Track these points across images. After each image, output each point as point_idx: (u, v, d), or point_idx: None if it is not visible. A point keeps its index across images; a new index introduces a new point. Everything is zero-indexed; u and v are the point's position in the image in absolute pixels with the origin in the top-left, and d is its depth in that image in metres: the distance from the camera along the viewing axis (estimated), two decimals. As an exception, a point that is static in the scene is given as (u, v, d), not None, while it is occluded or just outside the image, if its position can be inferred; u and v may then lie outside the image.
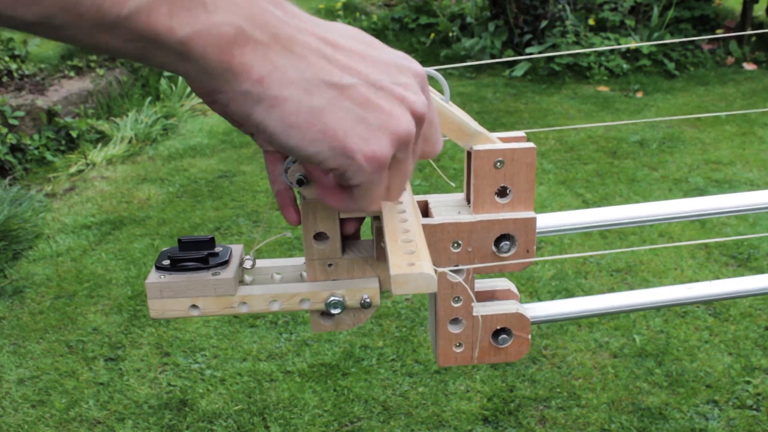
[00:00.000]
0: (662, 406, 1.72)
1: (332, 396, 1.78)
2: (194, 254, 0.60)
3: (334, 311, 0.61)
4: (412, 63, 0.48)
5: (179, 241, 0.61)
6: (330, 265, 0.62)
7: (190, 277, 0.59)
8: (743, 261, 2.33)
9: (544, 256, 2.38)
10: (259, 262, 0.65)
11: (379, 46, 0.46)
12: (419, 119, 0.46)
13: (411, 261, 0.49)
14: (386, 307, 2.12)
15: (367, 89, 0.44)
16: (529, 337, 0.65)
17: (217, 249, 0.62)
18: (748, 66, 4.74)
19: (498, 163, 0.61)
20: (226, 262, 0.61)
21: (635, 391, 1.77)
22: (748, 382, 1.79)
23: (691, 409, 1.71)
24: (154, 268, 0.61)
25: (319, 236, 0.62)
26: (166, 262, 0.61)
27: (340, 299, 0.61)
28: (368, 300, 0.61)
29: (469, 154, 0.63)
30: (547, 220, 0.66)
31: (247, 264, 0.64)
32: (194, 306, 0.60)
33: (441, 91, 0.63)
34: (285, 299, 0.61)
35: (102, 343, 2.01)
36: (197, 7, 0.37)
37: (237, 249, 0.63)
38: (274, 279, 0.65)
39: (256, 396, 1.79)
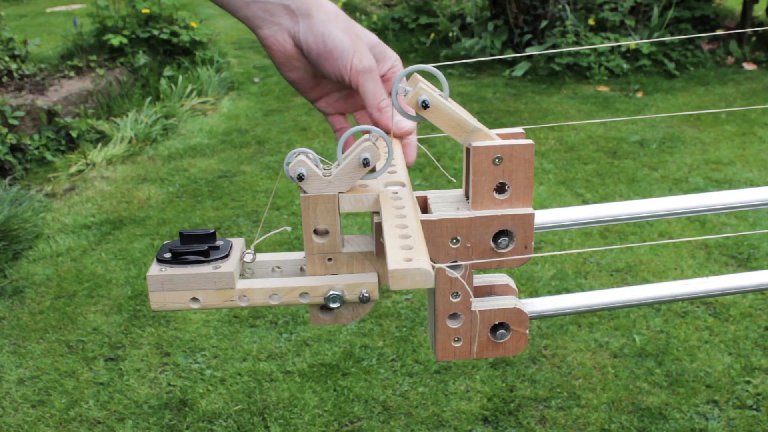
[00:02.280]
0: (662, 406, 1.72)
1: (332, 396, 1.78)
2: (196, 247, 0.61)
3: (333, 305, 0.62)
4: None
5: (181, 234, 0.61)
6: (330, 259, 0.63)
7: (191, 269, 0.60)
8: (743, 261, 2.33)
9: (544, 257, 2.38)
10: (259, 256, 0.66)
11: None
12: None
13: (408, 257, 0.50)
14: (386, 307, 2.12)
15: None
16: (527, 332, 0.65)
17: (218, 242, 0.63)
18: (748, 66, 4.74)
19: (496, 160, 0.61)
20: (226, 256, 0.62)
21: (635, 391, 1.77)
22: (748, 382, 1.78)
23: (691, 409, 1.70)
24: (155, 260, 0.62)
25: (319, 231, 0.62)
26: (168, 255, 0.61)
27: (339, 293, 0.61)
28: (367, 294, 0.62)
29: (467, 150, 0.63)
30: (545, 217, 0.66)
31: (248, 258, 0.64)
32: (194, 299, 0.61)
33: (440, 88, 0.63)
34: (284, 293, 0.62)
35: (102, 343, 2.01)
36: None
37: (238, 243, 0.64)
38: (274, 273, 0.66)
39: (256, 396, 1.79)
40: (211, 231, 0.62)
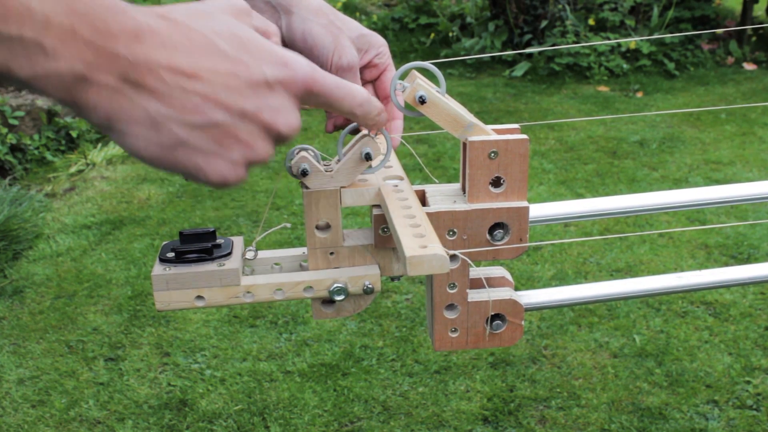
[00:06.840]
0: (662, 406, 1.71)
1: (332, 396, 1.78)
2: (199, 246, 0.61)
3: (337, 298, 0.63)
4: (289, 72, 0.46)
5: (181, 234, 0.62)
6: (332, 253, 0.64)
7: (196, 268, 0.61)
8: (743, 261, 2.33)
9: (544, 257, 2.38)
10: (259, 254, 0.67)
11: (251, 55, 0.45)
12: (286, 140, 0.48)
13: (423, 243, 0.52)
14: (386, 307, 2.12)
15: (225, 123, 0.44)
16: (523, 323, 0.67)
17: (219, 240, 0.64)
18: (748, 66, 4.74)
19: (492, 154, 0.62)
20: (229, 253, 0.63)
21: (635, 391, 1.77)
22: (748, 382, 1.78)
23: (691, 409, 1.70)
24: (158, 260, 0.62)
25: (321, 226, 0.64)
26: (171, 255, 0.62)
27: (343, 286, 0.63)
28: (370, 286, 0.63)
29: (464, 145, 0.64)
30: (540, 210, 0.67)
31: (249, 255, 0.66)
32: (200, 297, 0.62)
33: (437, 83, 0.64)
34: (289, 288, 0.63)
35: (102, 343, 2.01)
36: (36, 54, 0.38)
37: (237, 241, 0.65)
38: (274, 269, 0.67)
39: (256, 396, 1.79)
40: (212, 229, 0.62)
